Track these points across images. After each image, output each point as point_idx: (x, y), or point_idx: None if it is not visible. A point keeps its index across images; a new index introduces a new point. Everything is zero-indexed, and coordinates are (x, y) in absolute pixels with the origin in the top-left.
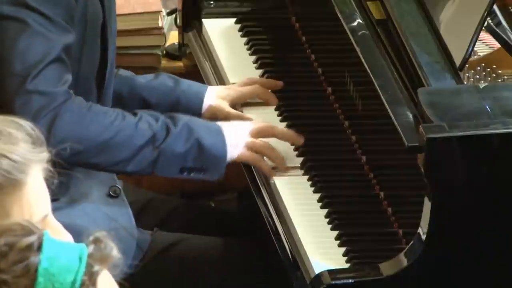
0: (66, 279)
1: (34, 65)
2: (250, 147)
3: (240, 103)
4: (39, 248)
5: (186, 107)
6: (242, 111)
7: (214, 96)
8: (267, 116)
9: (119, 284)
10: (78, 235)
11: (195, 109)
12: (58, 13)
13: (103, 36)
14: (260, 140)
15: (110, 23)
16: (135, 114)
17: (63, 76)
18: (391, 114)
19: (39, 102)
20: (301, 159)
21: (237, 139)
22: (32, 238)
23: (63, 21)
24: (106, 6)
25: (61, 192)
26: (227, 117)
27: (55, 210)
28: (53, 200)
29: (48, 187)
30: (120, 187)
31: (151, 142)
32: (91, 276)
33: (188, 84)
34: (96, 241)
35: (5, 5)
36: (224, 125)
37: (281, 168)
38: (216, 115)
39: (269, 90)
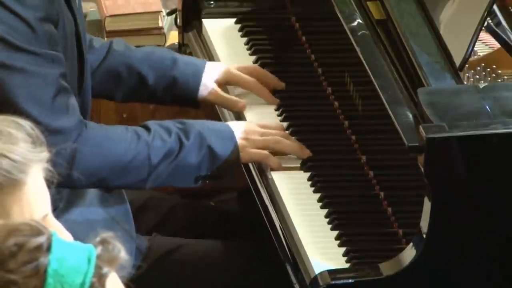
0: (75, 281)
1: (42, 105)
2: (260, 147)
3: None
4: (48, 248)
5: (182, 88)
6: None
7: (211, 80)
8: (267, 116)
9: (125, 286)
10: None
11: (191, 91)
12: (46, 47)
13: (77, 36)
14: (271, 136)
15: (81, 27)
16: (148, 130)
17: (70, 103)
18: (391, 114)
19: (56, 141)
20: (301, 160)
21: (249, 140)
22: (42, 239)
23: (51, 50)
24: (76, 13)
25: (58, 197)
26: (222, 104)
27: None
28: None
29: (48, 187)
30: None
31: (167, 158)
32: (100, 278)
33: (185, 63)
34: (104, 242)
35: None
36: (233, 124)
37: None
38: (211, 101)
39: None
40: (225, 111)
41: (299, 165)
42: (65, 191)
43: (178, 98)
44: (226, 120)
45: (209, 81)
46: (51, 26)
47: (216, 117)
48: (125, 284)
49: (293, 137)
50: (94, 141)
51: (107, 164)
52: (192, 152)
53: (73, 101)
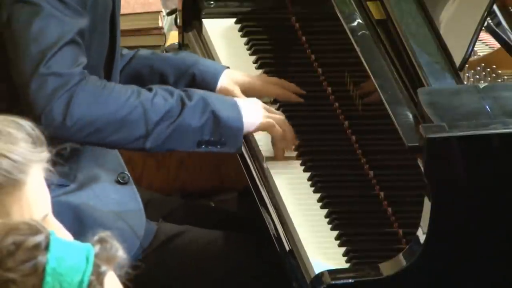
0: (74, 279)
1: (49, 47)
2: (267, 117)
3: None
4: (47, 247)
5: (200, 87)
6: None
7: (229, 80)
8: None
9: (123, 284)
10: (89, 215)
11: (209, 89)
12: None
13: (112, 24)
14: (277, 113)
15: (118, 12)
16: (150, 90)
17: (78, 58)
18: (391, 114)
19: (54, 83)
20: (301, 160)
21: (252, 111)
22: (40, 238)
23: (77, 5)
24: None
25: (70, 179)
26: None
27: (65, 193)
28: (63, 185)
29: (48, 187)
30: (128, 174)
31: (167, 117)
32: (98, 276)
33: (205, 64)
34: (102, 241)
35: None
36: (239, 99)
37: (290, 148)
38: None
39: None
40: None
41: (300, 170)
42: (79, 174)
43: None
44: None
45: (228, 82)
46: None
47: None
48: (124, 284)
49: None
50: (91, 89)
51: (103, 114)
52: (195, 113)
53: (83, 59)
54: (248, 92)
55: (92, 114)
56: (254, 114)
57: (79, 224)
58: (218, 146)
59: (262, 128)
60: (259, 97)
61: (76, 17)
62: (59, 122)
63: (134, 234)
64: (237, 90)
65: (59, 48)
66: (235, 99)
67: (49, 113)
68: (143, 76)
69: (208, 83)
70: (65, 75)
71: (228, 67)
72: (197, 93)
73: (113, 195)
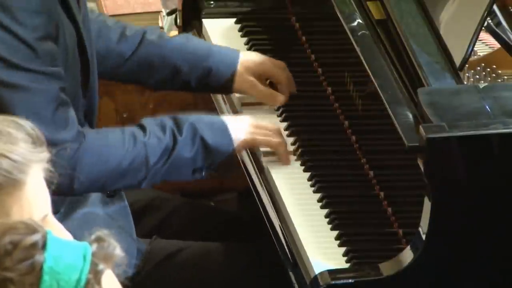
0: (71, 278)
1: (42, 120)
2: (250, 133)
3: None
4: (44, 246)
5: (216, 78)
6: (242, 112)
7: (247, 71)
8: (267, 116)
9: (121, 283)
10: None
11: (226, 82)
12: (46, 64)
13: (80, 50)
14: (269, 126)
15: (86, 36)
16: (143, 130)
17: (69, 116)
18: (391, 114)
19: (57, 154)
20: (301, 160)
21: (239, 130)
22: (37, 237)
23: (53, 68)
24: (78, 21)
25: (60, 202)
26: (258, 96)
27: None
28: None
29: (48, 187)
30: None
31: (163, 156)
32: (96, 274)
33: (220, 53)
34: (99, 239)
35: None
36: (229, 120)
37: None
38: (247, 92)
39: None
40: (224, 109)
41: (300, 170)
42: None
43: (212, 87)
44: (222, 111)
45: (245, 71)
46: (50, 43)
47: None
48: (122, 283)
49: (292, 138)
50: (93, 150)
51: (107, 170)
52: (186, 145)
53: (72, 113)
54: (262, 75)
55: (96, 174)
56: (240, 133)
57: None
58: (212, 171)
59: (246, 145)
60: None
61: (55, 80)
62: (68, 188)
63: (131, 238)
64: (256, 82)
65: (51, 118)
66: (225, 121)
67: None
68: (154, 65)
69: (224, 75)
70: (65, 143)
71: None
72: (187, 121)
73: (102, 213)
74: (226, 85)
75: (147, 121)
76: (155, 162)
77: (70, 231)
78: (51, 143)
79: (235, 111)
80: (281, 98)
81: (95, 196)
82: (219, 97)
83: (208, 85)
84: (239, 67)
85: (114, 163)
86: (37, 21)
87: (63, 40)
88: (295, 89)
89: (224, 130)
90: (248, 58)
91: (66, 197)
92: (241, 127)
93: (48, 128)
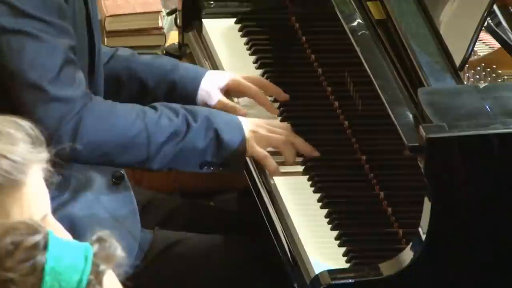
0: (73, 278)
1: (46, 73)
2: (251, 131)
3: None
4: (45, 247)
5: (181, 93)
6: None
7: (211, 85)
8: (267, 116)
9: (122, 284)
10: (85, 225)
11: (190, 95)
12: (54, 16)
13: (88, 27)
14: (279, 136)
15: (94, 12)
16: (155, 109)
17: (77, 76)
18: (391, 114)
19: (59, 110)
20: (301, 159)
21: (252, 126)
22: (38, 237)
23: (59, 20)
24: (89, 2)
25: (64, 185)
26: (221, 109)
27: (59, 205)
28: (57, 196)
29: (48, 187)
30: (123, 172)
31: (173, 138)
32: (97, 275)
33: (186, 69)
34: (100, 240)
35: (3, 18)
36: (244, 119)
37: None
38: (212, 107)
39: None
40: None
41: (300, 170)
42: (73, 179)
43: (179, 103)
44: None
45: (209, 86)
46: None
47: None
48: (123, 283)
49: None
50: (98, 113)
51: (111, 138)
52: (199, 135)
53: (80, 75)
54: (230, 92)
55: (100, 138)
56: (251, 128)
57: (77, 234)
58: (220, 168)
59: (250, 143)
60: (241, 96)
61: (65, 35)
62: (69, 147)
63: (132, 237)
64: (218, 93)
65: (57, 72)
66: (241, 119)
67: (58, 139)
68: (121, 79)
69: (189, 89)
70: (69, 100)
71: (210, 70)
72: (202, 112)
73: (107, 201)
74: (191, 100)
75: (158, 104)
76: (164, 142)
77: (74, 216)
78: (54, 98)
79: None
80: (243, 112)
81: (100, 182)
82: None
83: (175, 101)
84: (204, 81)
85: (119, 130)
86: None
87: (72, 6)
88: (286, 98)
89: (238, 126)
90: (215, 74)
91: (70, 180)
92: (253, 123)
93: (51, 81)
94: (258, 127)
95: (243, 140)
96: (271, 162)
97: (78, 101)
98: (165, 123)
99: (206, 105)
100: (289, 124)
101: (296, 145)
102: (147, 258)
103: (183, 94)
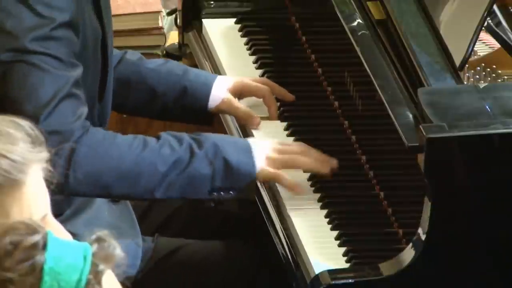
0: (72, 278)
1: (45, 105)
2: (264, 160)
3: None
4: (44, 247)
5: (192, 98)
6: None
7: (222, 89)
8: (267, 117)
9: (122, 284)
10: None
11: (201, 100)
12: (62, 51)
13: (103, 50)
14: (288, 155)
15: (109, 34)
16: (158, 138)
17: (77, 110)
18: (391, 114)
19: (55, 141)
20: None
21: (264, 150)
22: (37, 237)
23: (69, 57)
24: (105, 22)
25: (66, 202)
26: (236, 114)
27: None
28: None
29: (48, 187)
30: None
31: (176, 167)
32: (96, 275)
33: (196, 74)
34: (99, 240)
35: (8, 53)
36: (253, 141)
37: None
38: (223, 110)
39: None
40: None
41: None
42: (75, 199)
43: (188, 109)
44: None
45: (220, 90)
46: (71, 32)
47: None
48: (123, 283)
49: (292, 138)
50: (94, 144)
51: (108, 169)
52: (204, 161)
53: (83, 110)
54: (239, 93)
55: (95, 169)
56: (263, 152)
57: None
58: (231, 193)
59: (262, 172)
60: (249, 96)
61: (70, 69)
62: (63, 181)
63: (133, 249)
64: (233, 99)
65: (56, 104)
66: (252, 143)
67: (52, 175)
68: (130, 83)
69: (200, 94)
70: (65, 132)
71: (219, 74)
72: (209, 139)
73: (107, 216)
74: (201, 105)
75: (164, 133)
76: (166, 172)
77: (74, 233)
78: (49, 132)
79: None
80: (257, 121)
81: (101, 204)
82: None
83: (184, 107)
84: (215, 86)
85: (115, 160)
86: (65, 4)
87: (83, 35)
88: (292, 98)
89: (247, 150)
90: (225, 78)
91: (72, 199)
92: (264, 147)
93: (48, 116)
94: (269, 150)
95: (253, 164)
96: (286, 180)
97: (74, 132)
98: (167, 152)
99: (218, 109)
100: (300, 142)
101: (303, 165)
102: (149, 266)
103: (194, 99)
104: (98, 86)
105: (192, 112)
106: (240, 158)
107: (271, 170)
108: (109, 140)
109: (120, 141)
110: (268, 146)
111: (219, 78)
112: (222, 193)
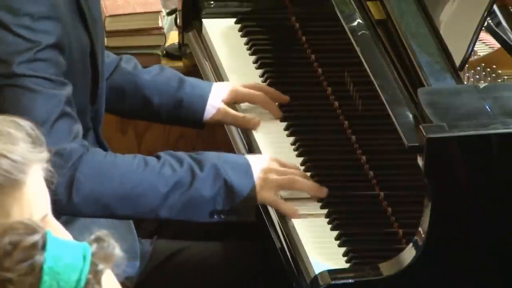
0: (71, 278)
1: (40, 125)
2: (261, 178)
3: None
4: (43, 246)
5: (188, 110)
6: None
7: (217, 100)
8: (267, 117)
9: (121, 284)
10: None
11: (197, 113)
12: (51, 72)
13: (92, 61)
14: (287, 176)
15: (99, 43)
16: (158, 158)
17: (72, 128)
18: (391, 114)
19: (55, 162)
20: (301, 159)
21: (263, 175)
22: (36, 237)
23: (58, 76)
24: (92, 34)
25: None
26: (232, 122)
27: None
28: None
29: (48, 187)
30: None
31: (177, 188)
32: (96, 274)
33: (192, 86)
34: (98, 240)
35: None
36: (252, 160)
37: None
38: (218, 120)
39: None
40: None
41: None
42: None
43: (183, 119)
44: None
45: (215, 101)
46: (57, 53)
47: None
48: (122, 283)
49: (292, 138)
50: (94, 164)
51: (109, 190)
52: (206, 184)
53: (78, 127)
54: (235, 101)
55: (96, 190)
56: (259, 166)
57: None
58: (231, 215)
59: (260, 190)
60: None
61: (61, 88)
62: (66, 201)
63: (131, 253)
64: (228, 109)
65: (51, 124)
66: (251, 162)
67: (53, 193)
68: (125, 92)
69: (196, 107)
70: (63, 153)
71: (214, 83)
72: (210, 160)
73: (104, 220)
74: (197, 117)
75: (163, 153)
76: (168, 192)
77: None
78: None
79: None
80: (253, 122)
81: None
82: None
83: (179, 117)
84: (210, 97)
85: (116, 181)
86: (51, 27)
87: (69, 52)
88: (287, 99)
89: (247, 172)
90: (220, 88)
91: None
92: (263, 168)
93: (45, 136)
94: (268, 172)
95: (253, 186)
96: (284, 206)
97: (73, 153)
98: (168, 173)
99: (213, 119)
100: (297, 166)
101: (302, 186)
102: (148, 268)
103: (190, 112)
104: (90, 92)
105: (186, 122)
106: (240, 182)
107: (272, 197)
108: (110, 161)
109: (120, 161)
110: (267, 166)
111: (214, 88)
112: (223, 216)
